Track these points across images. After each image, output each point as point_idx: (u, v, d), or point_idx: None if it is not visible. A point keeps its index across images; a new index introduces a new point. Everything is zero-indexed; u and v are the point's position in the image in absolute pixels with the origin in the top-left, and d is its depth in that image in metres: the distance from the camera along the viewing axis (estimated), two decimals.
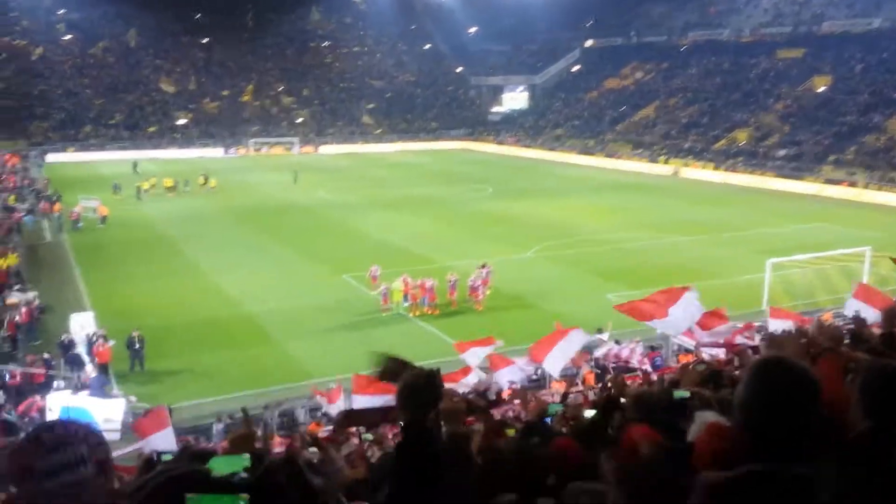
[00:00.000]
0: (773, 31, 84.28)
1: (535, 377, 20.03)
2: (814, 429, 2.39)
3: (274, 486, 1.53)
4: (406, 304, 27.14)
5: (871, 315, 15.16)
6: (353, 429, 11.46)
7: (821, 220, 44.43)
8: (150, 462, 5.64)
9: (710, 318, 15.14)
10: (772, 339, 4.13)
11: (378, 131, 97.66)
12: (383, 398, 12.76)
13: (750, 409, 2.42)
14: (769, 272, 27.15)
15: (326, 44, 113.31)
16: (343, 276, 31.82)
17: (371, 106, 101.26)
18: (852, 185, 55.22)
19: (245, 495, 1.47)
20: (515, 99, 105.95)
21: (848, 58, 73.07)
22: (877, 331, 7.31)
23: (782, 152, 64.66)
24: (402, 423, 3.15)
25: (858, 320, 11.23)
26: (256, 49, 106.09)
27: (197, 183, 56.84)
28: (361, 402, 13.01)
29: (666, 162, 71.03)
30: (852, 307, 15.70)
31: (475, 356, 18.27)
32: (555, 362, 16.42)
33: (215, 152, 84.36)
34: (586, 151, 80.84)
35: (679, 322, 14.47)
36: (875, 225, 41.52)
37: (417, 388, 3.03)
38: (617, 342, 21.07)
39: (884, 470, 2.34)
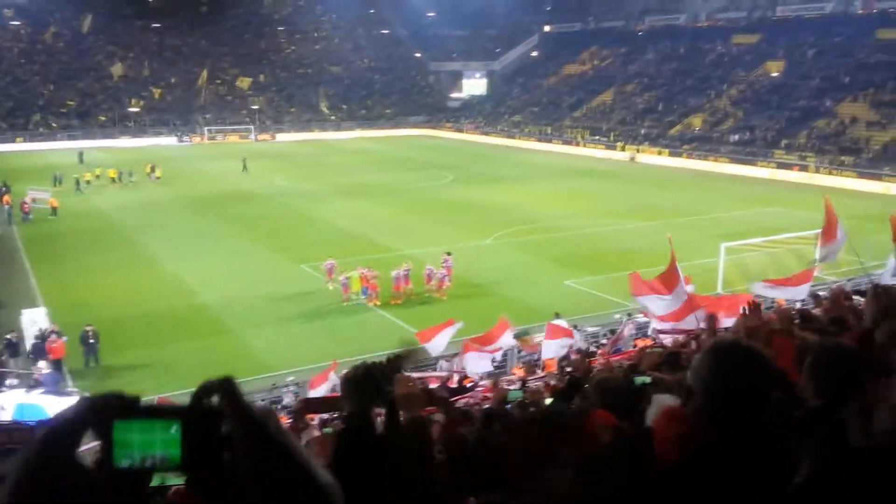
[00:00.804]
0: (728, 16, 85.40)
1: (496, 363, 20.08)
2: (771, 409, 2.40)
3: (209, 409, 1.46)
4: (364, 295, 27.03)
5: (783, 294, 16.39)
6: (312, 417, 11.51)
7: (774, 203, 45.25)
8: None
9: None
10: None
11: (336, 118, 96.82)
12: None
13: (706, 391, 2.41)
14: (723, 255, 27.60)
15: (282, 28, 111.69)
16: (301, 266, 31.58)
17: (329, 92, 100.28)
18: (804, 169, 56.34)
19: (177, 419, 1.40)
20: (474, 85, 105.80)
21: (801, 43, 74.33)
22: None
23: (735, 137, 65.67)
24: (344, 413, 3.20)
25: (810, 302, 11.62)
26: (211, 34, 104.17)
27: (143, 172, 55.76)
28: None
29: (623, 148, 71.68)
30: (762, 291, 16.71)
31: (440, 343, 18.39)
32: (476, 363, 16.33)
33: (169, 140, 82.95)
34: (544, 138, 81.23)
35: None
36: None
37: (356, 380, 3.09)
38: (575, 327, 21.19)
39: (835, 445, 2.39)
